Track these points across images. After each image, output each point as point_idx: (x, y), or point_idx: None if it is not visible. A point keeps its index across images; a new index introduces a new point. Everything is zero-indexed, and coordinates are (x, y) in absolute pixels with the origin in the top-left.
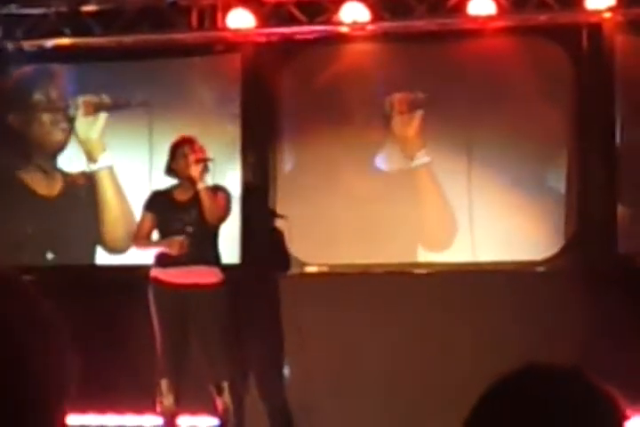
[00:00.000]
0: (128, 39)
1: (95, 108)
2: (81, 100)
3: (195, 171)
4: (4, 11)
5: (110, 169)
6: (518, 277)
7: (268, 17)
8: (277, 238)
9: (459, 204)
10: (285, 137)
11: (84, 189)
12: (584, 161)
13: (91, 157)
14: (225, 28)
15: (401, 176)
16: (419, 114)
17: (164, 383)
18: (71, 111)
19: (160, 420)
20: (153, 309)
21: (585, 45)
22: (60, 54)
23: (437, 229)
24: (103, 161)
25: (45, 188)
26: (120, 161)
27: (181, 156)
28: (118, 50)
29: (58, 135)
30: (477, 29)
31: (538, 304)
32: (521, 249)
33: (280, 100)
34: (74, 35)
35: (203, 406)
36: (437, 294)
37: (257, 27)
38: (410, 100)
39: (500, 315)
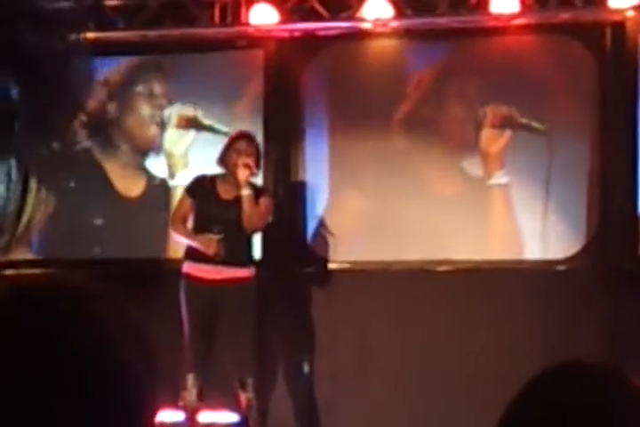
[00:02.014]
0: (151, 33)
1: (187, 123)
2: (175, 111)
3: (242, 174)
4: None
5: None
6: (539, 275)
7: (290, 12)
8: (300, 235)
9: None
10: (308, 133)
11: (164, 199)
12: (606, 159)
13: (171, 171)
14: (248, 24)
15: (475, 190)
16: (508, 133)
17: (189, 378)
18: (165, 118)
19: (181, 415)
20: (183, 303)
21: (608, 44)
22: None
23: (503, 248)
24: (180, 178)
25: (125, 186)
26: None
27: (235, 150)
28: (141, 44)
29: (152, 130)
30: (500, 27)
31: (559, 303)
32: (542, 247)
33: (302, 96)
34: (97, 29)
35: (225, 401)
36: (459, 291)
37: (280, 22)
38: (505, 115)
39: (520, 313)
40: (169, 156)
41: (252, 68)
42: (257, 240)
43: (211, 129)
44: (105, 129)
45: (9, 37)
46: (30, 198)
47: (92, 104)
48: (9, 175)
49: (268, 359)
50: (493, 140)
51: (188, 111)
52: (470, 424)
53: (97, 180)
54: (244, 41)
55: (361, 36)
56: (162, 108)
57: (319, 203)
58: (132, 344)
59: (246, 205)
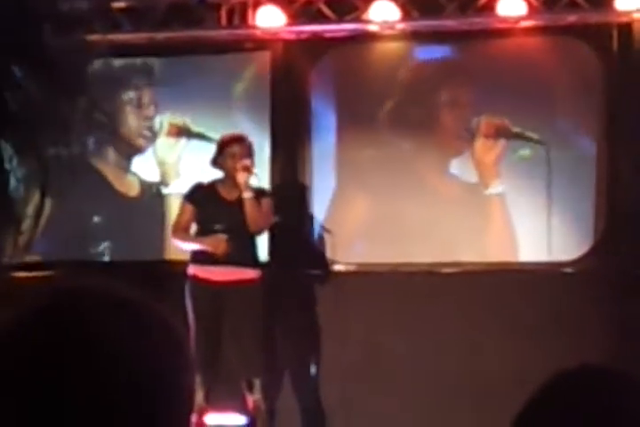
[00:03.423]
0: (158, 36)
1: (178, 132)
2: (165, 119)
3: (241, 177)
4: None
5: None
6: (546, 277)
7: (297, 14)
8: (307, 237)
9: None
10: (315, 134)
11: (159, 203)
12: (613, 161)
13: (164, 180)
14: (254, 26)
15: (472, 195)
16: (502, 143)
17: (196, 379)
18: (156, 128)
19: None
20: (189, 305)
21: (615, 45)
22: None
23: (501, 252)
24: (175, 187)
25: (123, 186)
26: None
27: (230, 155)
28: (148, 46)
29: (138, 141)
30: (507, 29)
31: (566, 305)
32: (549, 249)
33: (309, 98)
34: (104, 31)
35: (232, 403)
36: (466, 293)
37: (286, 24)
38: (498, 125)
39: (528, 315)
40: (161, 164)
41: (259, 69)
42: (264, 242)
43: (202, 137)
44: (93, 133)
45: (32, 40)
46: (47, 201)
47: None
48: (28, 178)
49: (275, 361)
50: (487, 150)
51: (179, 119)
52: None
53: (95, 180)
54: (250, 43)
55: (368, 38)
56: (150, 117)
57: (326, 204)
58: (175, 351)
59: (249, 208)
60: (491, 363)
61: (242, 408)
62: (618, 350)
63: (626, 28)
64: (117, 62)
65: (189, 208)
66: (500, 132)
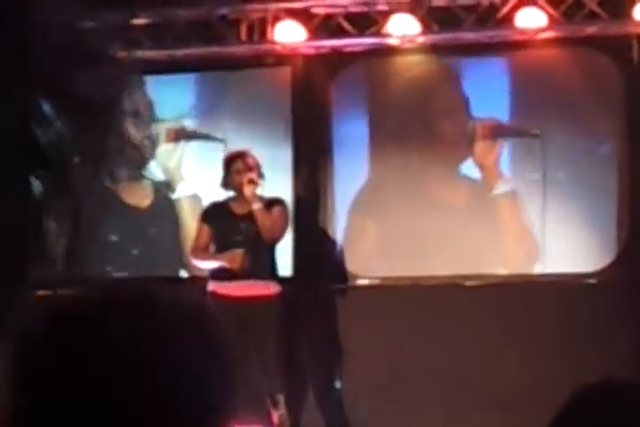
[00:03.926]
0: (178, 52)
1: (176, 136)
2: (163, 126)
3: (248, 191)
4: None
5: (193, 198)
6: (569, 289)
7: (317, 29)
8: (330, 251)
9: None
10: (336, 149)
11: (171, 207)
12: (635, 170)
13: (170, 186)
14: (274, 41)
15: (482, 200)
16: (500, 143)
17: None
18: (154, 136)
19: None
20: None
21: (635, 57)
22: None
23: (519, 253)
24: (182, 190)
25: (134, 198)
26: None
27: (235, 172)
28: (169, 63)
29: (143, 150)
30: (527, 41)
31: (589, 316)
32: (572, 261)
33: (330, 112)
34: (124, 48)
35: (257, 419)
36: (488, 306)
37: (306, 39)
38: (492, 127)
39: (551, 327)
40: (165, 170)
41: (279, 85)
42: (287, 256)
43: (200, 136)
44: (124, 166)
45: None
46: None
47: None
48: (60, 212)
49: (298, 376)
50: (487, 152)
51: (175, 125)
52: None
53: (106, 198)
54: (271, 58)
55: (388, 51)
56: (147, 126)
57: (347, 219)
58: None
59: (260, 218)
60: (514, 375)
61: (267, 424)
62: None
63: None
64: None
65: (205, 228)
66: (496, 133)
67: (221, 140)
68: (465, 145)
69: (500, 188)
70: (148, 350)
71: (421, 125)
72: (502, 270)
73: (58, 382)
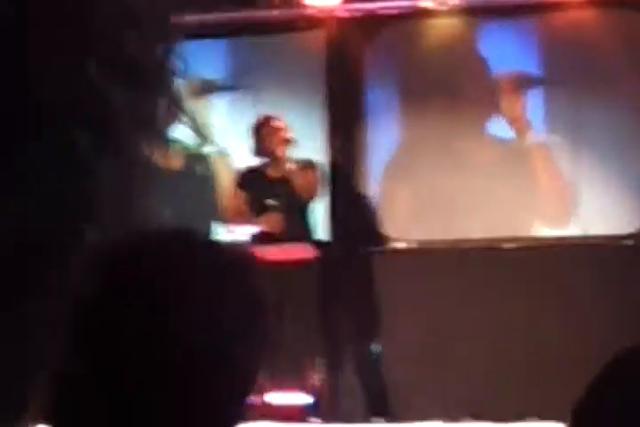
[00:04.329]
0: (209, 17)
1: (201, 91)
2: (190, 83)
3: (281, 151)
4: None
5: (222, 152)
6: (605, 250)
7: None
8: (366, 215)
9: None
10: (370, 113)
11: (205, 166)
12: None
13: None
14: (308, 5)
15: (514, 155)
16: (524, 94)
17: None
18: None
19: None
20: None
21: None
22: None
23: (555, 208)
24: (213, 145)
25: (164, 160)
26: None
27: (267, 135)
28: (201, 28)
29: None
30: (566, 2)
31: (625, 278)
32: (608, 223)
33: (365, 76)
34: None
35: (295, 382)
36: (525, 268)
37: (341, 3)
38: (515, 80)
39: (586, 289)
40: (194, 126)
41: (313, 49)
42: (324, 220)
43: (228, 88)
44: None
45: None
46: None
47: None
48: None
49: (337, 340)
50: (514, 103)
51: (197, 81)
52: (541, 405)
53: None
54: (304, 22)
55: (422, 14)
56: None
57: (382, 182)
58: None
59: (296, 177)
60: (551, 338)
61: (305, 387)
62: None
63: None
64: None
65: (239, 194)
66: (520, 83)
67: (251, 90)
68: (490, 102)
69: (532, 138)
70: (185, 301)
71: (448, 87)
72: (538, 225)
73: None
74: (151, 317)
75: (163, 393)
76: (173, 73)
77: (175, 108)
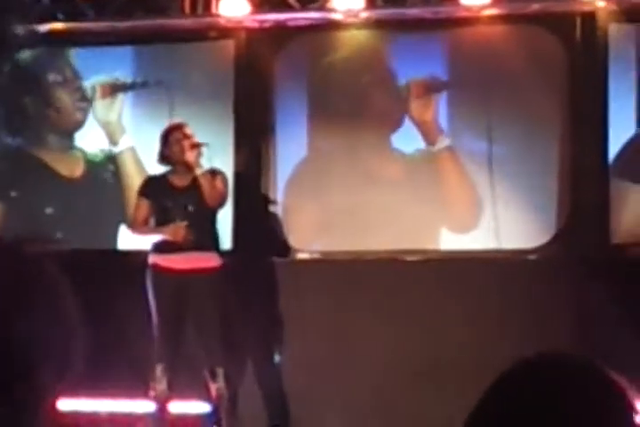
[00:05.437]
0: (121, 24)
1: (112, 90)
2: (96, 82)
3: (190, 156)
4: None
5: (133, 150)
6: (509, 265)
7: (261, 3)
8: (270, 225)
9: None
10: (279, 124)
11: (109, 171)
12: (576, 148)
13: (112, 140)
14: (218, 14)
15: (420, 165)
16: (435, 98)
17: (158, 368)
18: (89, 93)
19: (152, 405)
20: (151, 294)
21: (578, 34)
22: (53, 39)
23: (463, 210)
24: (124, 143)
25: (67, 168)
26: (142, 142)
27: (175, 141)
28: (111, 34)
29: (76, 115)
30: (471, 17)
31: (529, 293)
32: (512, 237)
33: (273, 86)
34: (67, 19)
35: (196, 391)
36: (429, 281)
37: (250, 13)
38: (426, 84)
39: (491, 303)
40: (105, 125)
41: (223, 58)
42: (227, 230)
43: (137, 85)
44: (27, 124)
45: None
46: None
47: (9, 103)
48: None
49: (237, 349)
50: (424, 108)
51: (108, 80)
52: (441, 415)
53: (38, 171)
54: (214, 32)
55: (332, 26)
56: (79, 88)
57: (288, 193)
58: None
59: (204, 183)
60: (454, 349)
61: (205, 396)
62: (581, 336)
63: (589, 17)
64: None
65: (144, 202)
66: (430, 89)
67: (160, 85)
68: (398, 114)
69: (442, 142)
70: None
71: (356, 99)
72: (445, 230)
73: None
74: None
75: None
76: (52, 82)
77: (52, 113)
